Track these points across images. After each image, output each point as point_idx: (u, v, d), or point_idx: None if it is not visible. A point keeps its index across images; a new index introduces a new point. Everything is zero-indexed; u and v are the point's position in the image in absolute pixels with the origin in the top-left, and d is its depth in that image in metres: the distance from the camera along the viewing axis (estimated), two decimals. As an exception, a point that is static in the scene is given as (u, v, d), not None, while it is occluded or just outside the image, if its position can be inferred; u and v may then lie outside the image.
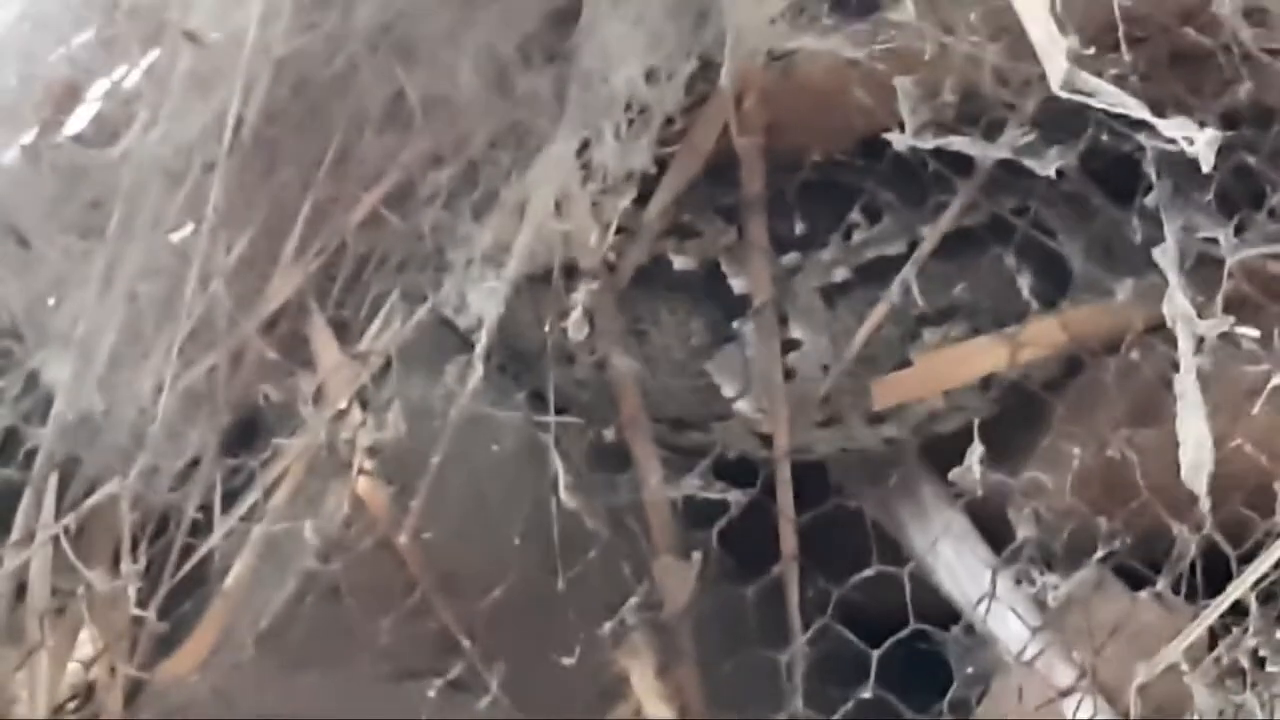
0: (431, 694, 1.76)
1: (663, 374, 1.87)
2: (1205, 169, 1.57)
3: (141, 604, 1.76)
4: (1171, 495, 1.67)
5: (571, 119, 1.77)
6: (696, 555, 1.81)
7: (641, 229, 1.83)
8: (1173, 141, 1.57)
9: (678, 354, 1.87)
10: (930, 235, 1.82)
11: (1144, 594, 1.74)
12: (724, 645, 1.85)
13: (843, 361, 1.82)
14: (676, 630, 1.83)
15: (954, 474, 1.79)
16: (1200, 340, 1.68)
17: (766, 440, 1.85)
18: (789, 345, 1.83)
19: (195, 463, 1.76)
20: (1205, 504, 1.67)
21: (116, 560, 1.77)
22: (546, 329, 1.82)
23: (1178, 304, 1.67)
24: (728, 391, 1.85)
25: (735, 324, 1.84)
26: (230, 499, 1.76)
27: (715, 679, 1.86)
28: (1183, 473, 1.64)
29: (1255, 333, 1.66)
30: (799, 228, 1.87)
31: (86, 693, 1.83)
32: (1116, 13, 1.63)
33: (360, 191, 1.80)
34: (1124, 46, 1.64)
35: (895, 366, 1.85)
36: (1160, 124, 1.57)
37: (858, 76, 1.75)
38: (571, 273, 1.78)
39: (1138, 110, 1.58)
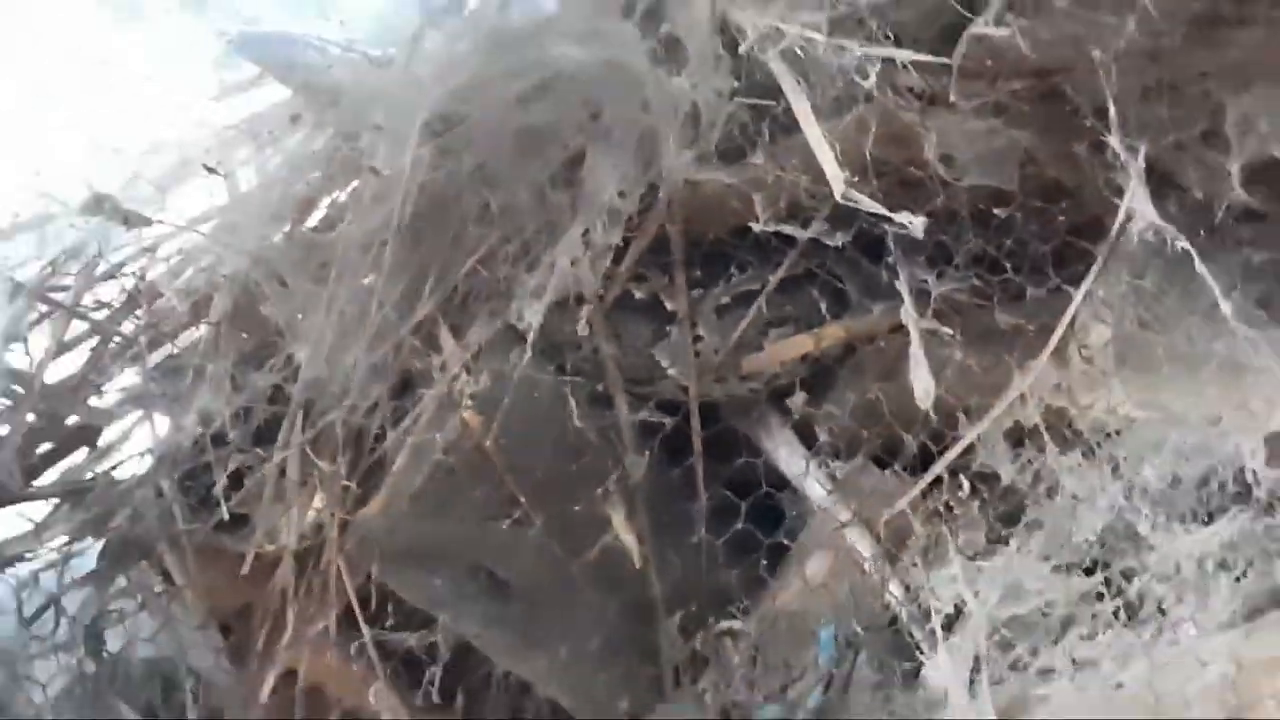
0: (504, 526, 1.98)
1: (629, 355, 2.08)
2: (919, 237, 1.82)
3: (348, 479, 2.00)
4: (904, 418, 1.92)
5: (579, 218, 2.00)
6: (646, 453, 2.04)
7: (617, 276, 2.05)
8: (902, 226, 1.82)
9: (637, 344, 2.09)
10: (773, 280, 2.05)
11: (888, 472, 1.97)
12: (660, 503, 2.07)
13: (726, 347, 2.06)
14: (634, 495, 2.03)
15: (789, 402, 2.04)
16: (920, 333, 1.90)
17: (685, 391, 2.06)
18: (697, 339, 2.06)
19: (376, 403, 1.99)
20: (929, 418, 1.88)
21: (334, 457, 2.00)
22: (566, 330, 2.02)
23: (908, 314, 1.91)
24: (664, 364, 2.07)
25: (668, 328, 2.08)
26: (395, 423, 2.00)
27: (656, 520, 2.05)
28: (918, 401, 1.87)
29: (949, 330, 1.91)
30: (701, 275, 2.08)
31: (317, 529, 2.01)
32: (867, 158, 1.86)
33: (465, 257, 2.02)
34: (872, 175, 1.86)
35: (755, 349, 2.07)
36: (895, 216, 1.82)
37: (734, 193, 1.98)
38: (579, 300, 2.02)
39: (881, 209, 1.83)
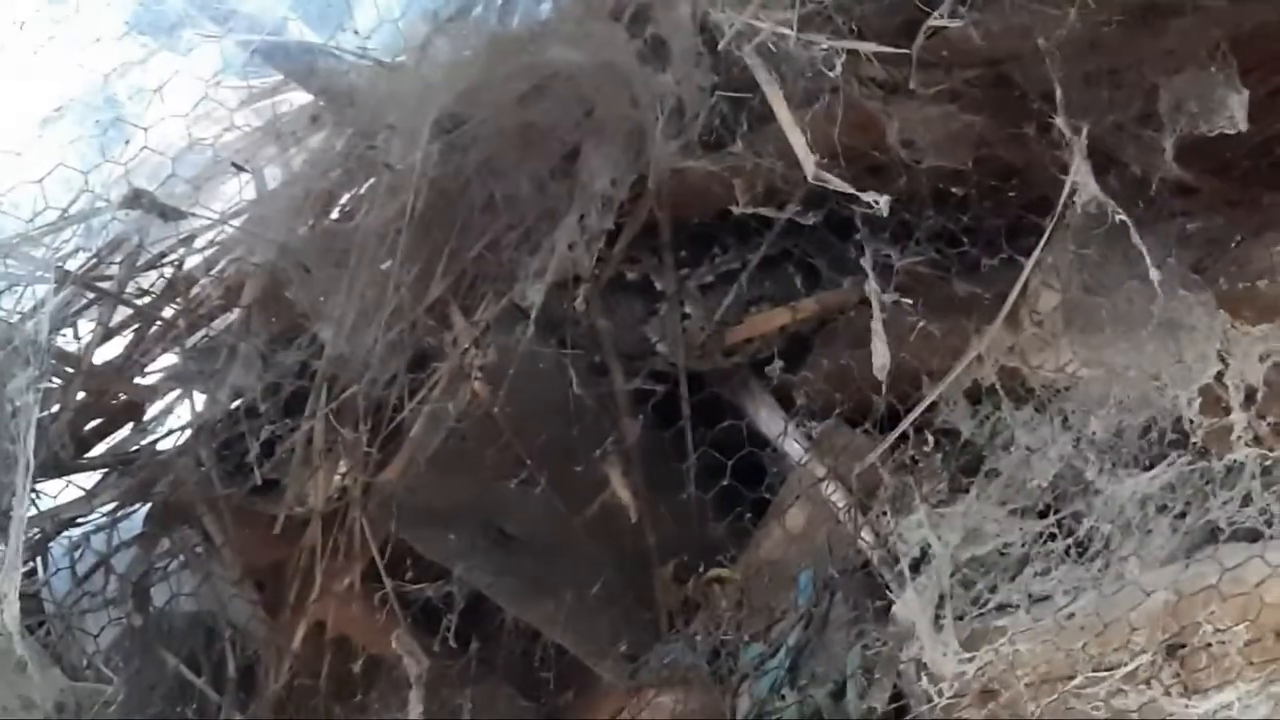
0: (512, 485, 1.99)
1: (622, 330, 2.09)
2: (884, 215, 1.80)
3: (369, 446, 1.99)
4: (873, 382, 1.90)
5: (576, 205, 2.00)
6: (639, 418, 2.06)
7: (610, 258, 2.06)
8: (869, 205, 1.79)
9: (630, 320, 2.10)
10: (753, 259, 2.06)
11: (858, 430, 1.99)
12: (653, 463, 2.08)
13: (711, 323, 2.07)
14: (630, 456, 2.05)
15: (768, 370, 2.05)
16: (883, 305, 1.91)
17: (673, 363, 2.07)
18: (684, 315, 2.07)
19: (394, 376, 1.98)
20: (884, 384, 1.89)
21: (356, 426, 1.98)
22: (565, 307, 2.03)
23: (872, 289, 1.92)
24: (654, 338, 2.09)
25: (658, 305, 2.09)
26: (411, 394, 2.00)
27: (649, 478, 2.06)
28: (875, 371, 1.88)
29: (910, 300, 1.91)
30: (687, 256, 2.09)
31: (342, 491, 2.01)
32: (836, 144, 1.86)
33: (473, 243, 2.02)
34: (840, 159, 1.85)
35: (736, 323, 2.08)
36: (862, 196, 1.80)
37: (716, 180, 1.98)
38: (576, 280, 2.02)
39: (849, 189, 1.81)
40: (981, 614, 1.76)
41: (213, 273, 2.16)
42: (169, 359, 2.16)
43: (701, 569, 2.03)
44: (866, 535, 1.89)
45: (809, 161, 1.85)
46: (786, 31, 1.83)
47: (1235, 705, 1.59)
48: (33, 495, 1.95)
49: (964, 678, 1.72)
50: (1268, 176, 1.90)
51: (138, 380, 2.15)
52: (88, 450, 2.12)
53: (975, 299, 1.91)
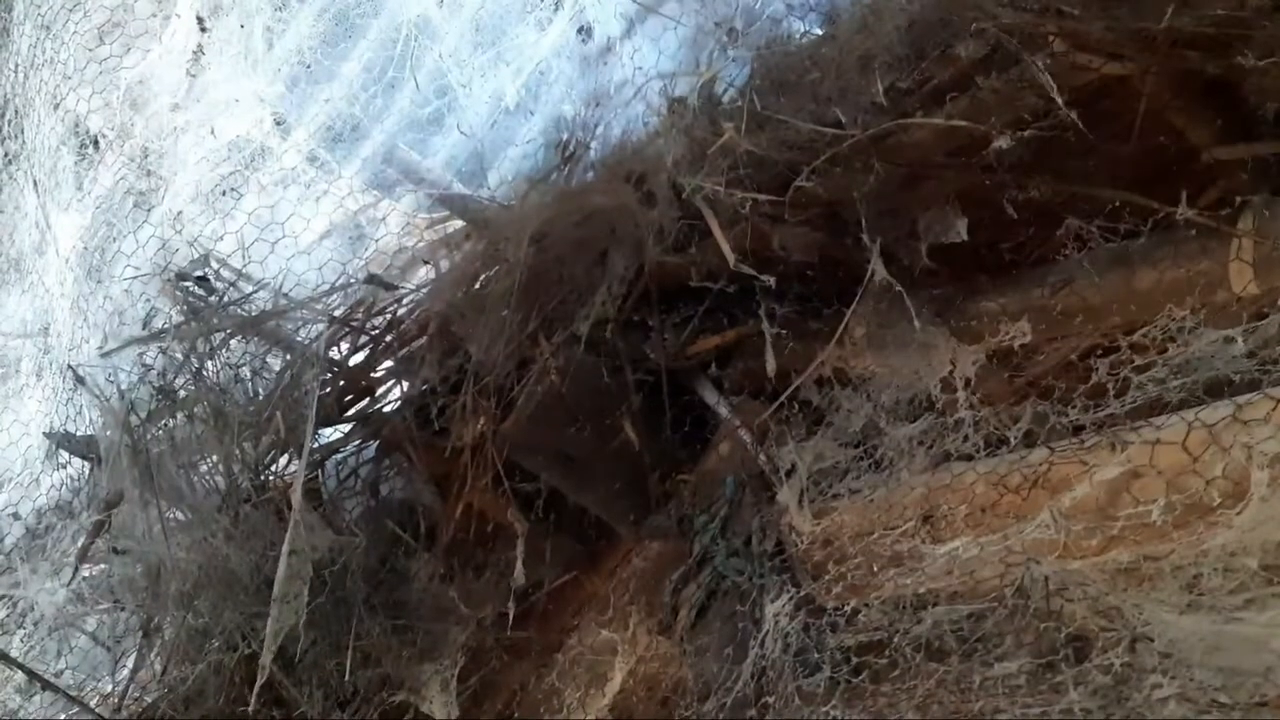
0: (571, 431, 1.93)
1: (631, 346, 2.02)
2: (771, 286, 1.81)
3: (496, 409, 1.94)
4: (765, 375, 1.85)
5: (605, 280, 1.97)
6: (640, 395, 2.00)
7: (625, 308, 2.00)
8: (764, 280, 1.80)
9: (635, 341, 2.03)
10: (701, 308, 2.01)
11: (758, 401, 1.93)
12: (647, 418, 2.01)
13: (679, 343, 2.02)
14: (635, 415, 1.99)
15: (710, 369, 2.02)
16: (770, 334, 1.86)
17: (658, 364, 2.02)
18: (664, 338, 2.02)
19: (509, 372, 1.93)
20: (772, 376, 1.83)
21: (489, 399, 1.94)
22: (600, 335, 1.98)
23: (765, 325, 1.87)
24: (649, 351, 2.03)
25: (650, 333, 2.04)
26: (518, 380, 1.94)
27: (644, 426, 1.99)
28: (767, 370, 1.85)
29: (785, 331, 1.86)
30: (665, 307, 2.04)
31: (481, 435, 1.94)
32: (746, 246, 1.83)
33: (550, 300, 1.98)
34: (749, 255, 1.83)
35: (692, 343, 2.02)
36: (758, 275, 1.80)
37: (681, 267, 1.95)
38: (605, 320, 1.97)
39: (753, 271, 1.81)
40: (823, 498, 1.72)
41: (412, 316, 2.15)
42: (388, 363, 2.16)
43: (673, 475, 2.00)
44: (762, 458, 1.86)
45: (731, 257, 1.85)
46: (719, 188, 1.83)
47: (960, 549, 1.54)
48: (316, 436, 1.95)
49: (813, 533, 1.69)
50: (977, 266, 1.84)
51: (372, 374, 2.16)
52: (346, 411, 2.13)
53: (820, 331, 1.88)
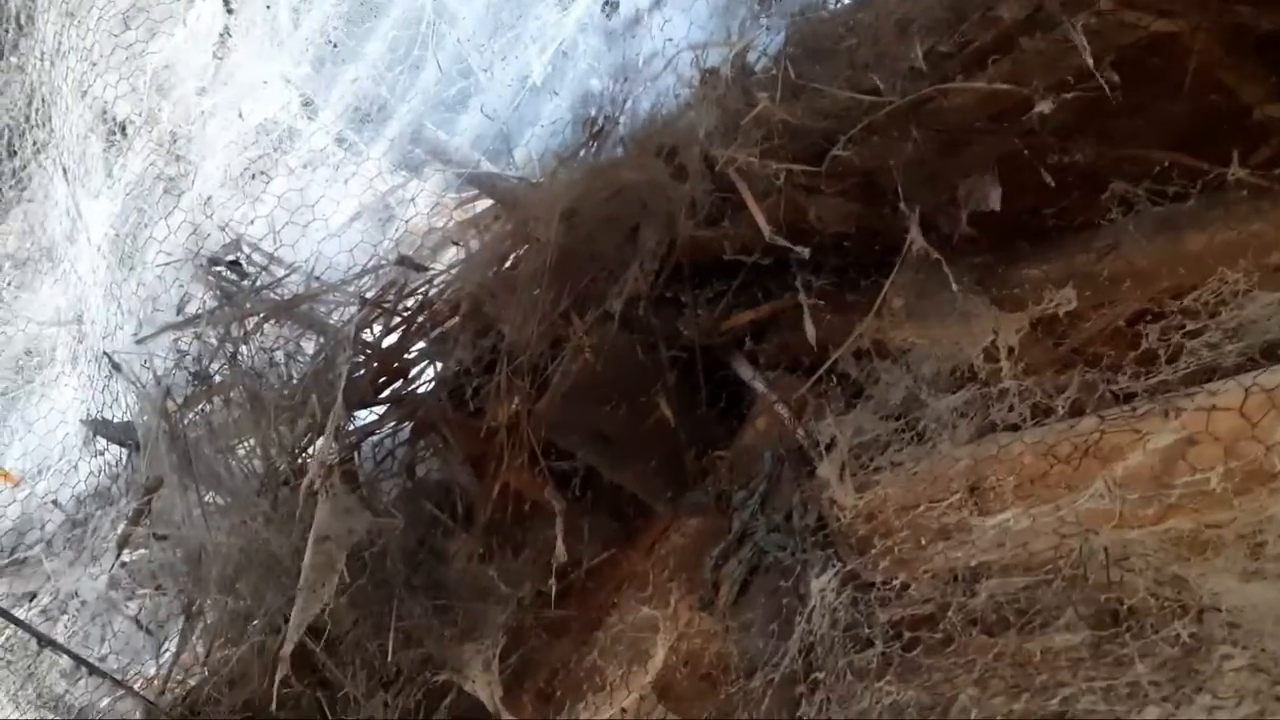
0: (606, 409, 1.91)
1: (665, 324, 1.98)
2: (806, 258, 1.77)
3: (531, 389, 1.90)
4: (805, 347, 1.83)
5: (638, 257, 1.92)
6: (674, 371, 1.97)
7: (657, 285, 1.96)
8: (799, 252, 1.76)
9: (669, 318, 2.00)
10: (735, 283, 1.96)
11: (794, 375, 1.90)
12: (682, 394, 1.97)
13: (713, 319, 1.99)
14: (670, 391, 1.94)
15: (746, 344, 1.98)
16: (808, 307, 1.83)
17: (692, 340, 1.99)
18: (698, 314, 1.99)
19: (542, 351, 1.89)
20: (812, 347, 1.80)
21: (523, 378, 1.89)
22: (633, 312, 1.94)
23: (802, 298, 1.84)
24: (682, 328, 1.99)
25: (684, 309, 2.01)
26: (552, 360, 1.90)
27: (680, 402, 1.95)
28: (809, 339, 1.81)
29: (822, 304, 1.85)
30: (698, 282, 2.00)
31: (516, 414, 1.89)
32: (780, 221, 1.79)
33: (582, 278, 1.92)
34: (783, 228, 1.80)
35: (726, 318, 1.99)
36: (794, 248, 1.77)
37: (714, 241, 1.92)
38: (638, 297, 1.93)
39: (787, 243, 1.77)
40: (864, 472, 1.68)
41: (443, 297, 2.12)
42: (420, 344, 2.13)
43: (710, 451, 1.96)
44: (800, 432, 1.82)
45: (766, 229, 1.81)
46: (753, 159, 1.79)
47: (1010, 521, 1.49)
48: (351, 418, 1.93)
49: (856, 507, 1.65)
50: (1019, 233, 1.79)
51: (405, 356, 2.13)
52: (380, 393, 2.10)
53: (857, 303, 1.84)
